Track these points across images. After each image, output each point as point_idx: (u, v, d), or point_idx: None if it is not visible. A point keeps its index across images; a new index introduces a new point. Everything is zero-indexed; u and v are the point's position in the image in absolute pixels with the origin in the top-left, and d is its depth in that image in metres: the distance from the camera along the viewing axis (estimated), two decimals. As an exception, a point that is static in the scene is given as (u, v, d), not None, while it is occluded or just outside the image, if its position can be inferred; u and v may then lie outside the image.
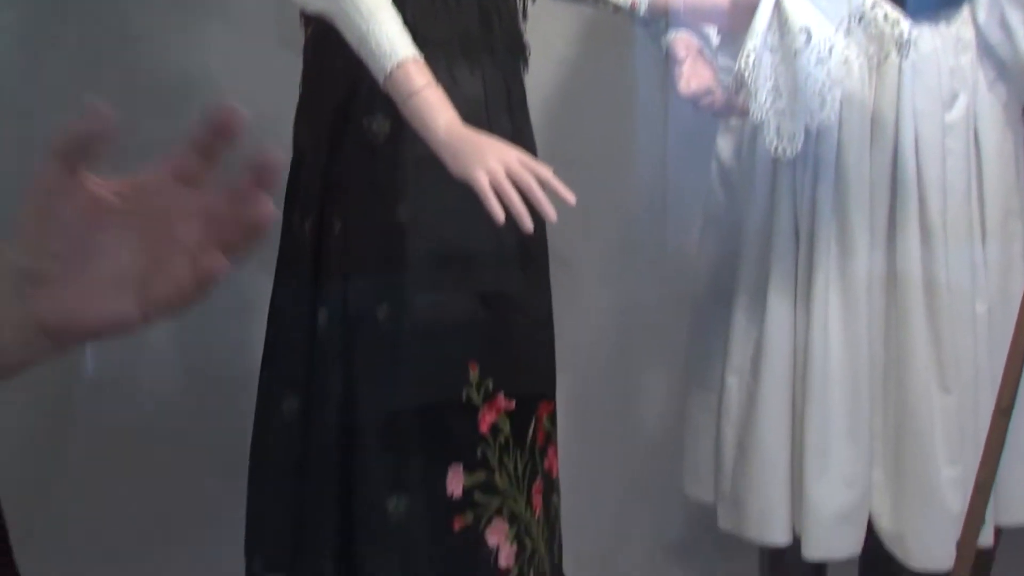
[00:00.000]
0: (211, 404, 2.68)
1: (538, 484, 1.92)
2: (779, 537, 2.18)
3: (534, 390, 1.95)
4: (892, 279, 2.13)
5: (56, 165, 0.78)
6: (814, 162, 2.09)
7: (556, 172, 1.65)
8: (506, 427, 1.84)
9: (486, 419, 1.82)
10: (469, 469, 1.81)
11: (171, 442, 2.70)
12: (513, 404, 1.85)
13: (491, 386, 1.82)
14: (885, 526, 2.17)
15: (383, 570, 1.79)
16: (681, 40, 2.05)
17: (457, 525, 1.80)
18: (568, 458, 2.97)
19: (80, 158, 0.79)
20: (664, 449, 2.67)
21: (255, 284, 2.01)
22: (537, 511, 1.91)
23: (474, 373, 1.80)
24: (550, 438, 2.04)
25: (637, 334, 2.98)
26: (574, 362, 2.93)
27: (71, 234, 0.80)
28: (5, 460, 2.57)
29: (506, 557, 1.85)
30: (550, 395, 2.04)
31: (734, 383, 2.22)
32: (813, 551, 2.14)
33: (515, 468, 1.86)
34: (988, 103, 2.11)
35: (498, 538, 1.84)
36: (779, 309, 2.14)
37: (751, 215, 2.20)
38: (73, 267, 0.81)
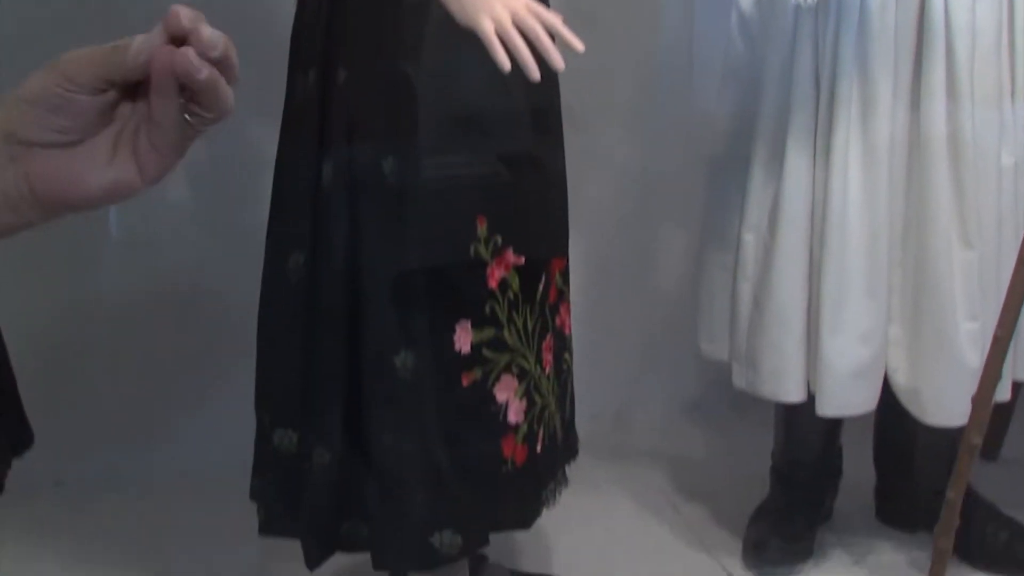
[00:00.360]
0: (224, 261, 2.67)
1: (548, 341, 1.89)
2: (793, 394, 2.17)
3: (545, 247, 1.91)
4: (915, 131, 2.07)
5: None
6: (837, 9, 2.02)
7: (574, 29, 1.59)
8: (515, 283, 1.81)
9: (495, 275, 1.78)
10: (477, 325, 1.78)
11: (185, 298, 2.70)
12: (523, 260, 1.81)
13: (500, 241, 1.78)
14: (901, 382, 2.15)
15: (390, 426, 1.78)
16: None
17: (465, 381, 1.78)
18: (584, 317, 2.95)
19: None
20: (680, 308, 2.65)
21: (265, 139, 1.97)
22: (547, 368, 1.89)
23: (482, 228, 1.76)
24: (562, 295, 2.01)
25: (655, 193, 2.94)
26: (592, 221, 2.90)
27: (83, 112, 0.77)
28: (23, 316, 2.57)
29: (515, 413, 1.83)
30: (562, 252, 2.00)
31: (751, 240, 2.18)
32: (827, 408, 2.13)
33: (524, 324, 1.84)
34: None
35: (507, 394, 1.82)
36: (797, 163, 2.09)
37: (771, 66, 2.13)
38: (73, 138, 0.77)
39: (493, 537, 2.06)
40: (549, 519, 2.49)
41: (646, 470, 2.77)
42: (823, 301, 2.09)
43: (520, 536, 2.38)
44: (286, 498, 1.89)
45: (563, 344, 2.02)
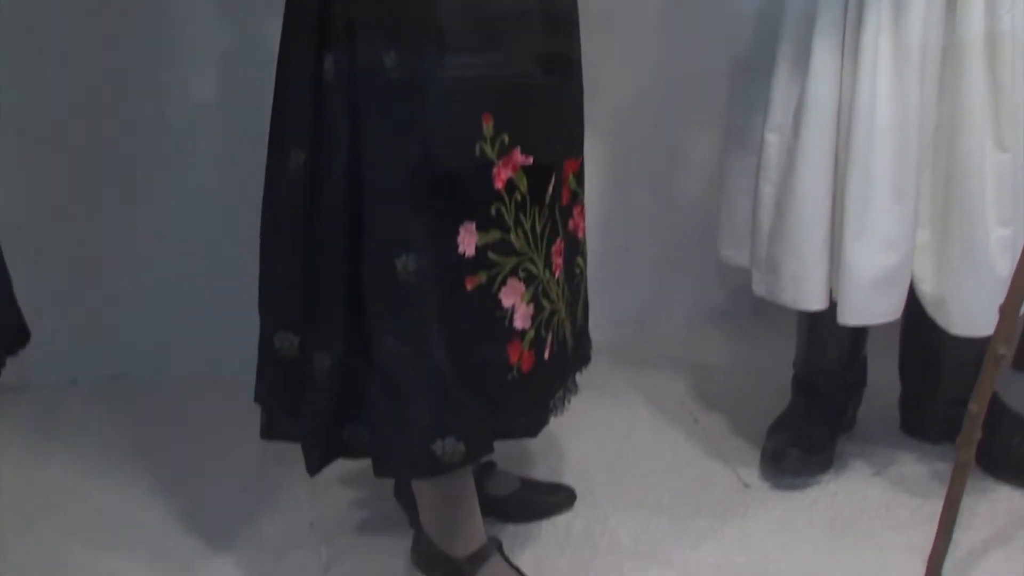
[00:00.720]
0: (227, 159, 2.61)
1: (558, 245, 1.83)
2: (814, 302, 2.10)
3: (556, 147, 1.83)
4: (950, 27, 1.97)
5: None
6: None
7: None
8: (523, 184, 1.74)
9: (501, 175, 1.71)
10: (483, 227, 1.71)
11: (197, 195, 2.66)
12: (531, 160, 1.73)
13: (507, 140, 1.70)
14: (927, 290, 2.08)
15: (391, 330, 1.72)
16: None
17: (469, 285, 1.72)
18: (607, 220, 2.90)
19: None
20: (707, 212, 2.58)
21: (269, 34, 1.90)
22: (557, 272, 1.83)
23: (488, 126, 1.69)
24: (576, 198, 1.95)
25: (681, 93, 2.85)
26: (615, 121, 2.82)
27: None
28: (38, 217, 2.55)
29: (522, 318, 1.77)
30: (576, 153, 1.93)
31: (774, 141, 2.10)
32: (849, 316, 2.06)
33: (533, 227, 1.77)
34: None
35: (513, 299, 1.76)
36: (825, 60, 2.00)
37: (799, -41, 2.03)
38: None
39: (503, 444, 2.03)
40: (563, 427, 2.46)
41: (666, 378, 2.72)
42: (847, 205, 2.01)
43: (532, 444, 2.34)
44: (287, 402, 1.85)
45: (576, 248, 1.96)
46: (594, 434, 2.48)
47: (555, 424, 2.43)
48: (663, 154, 2.89)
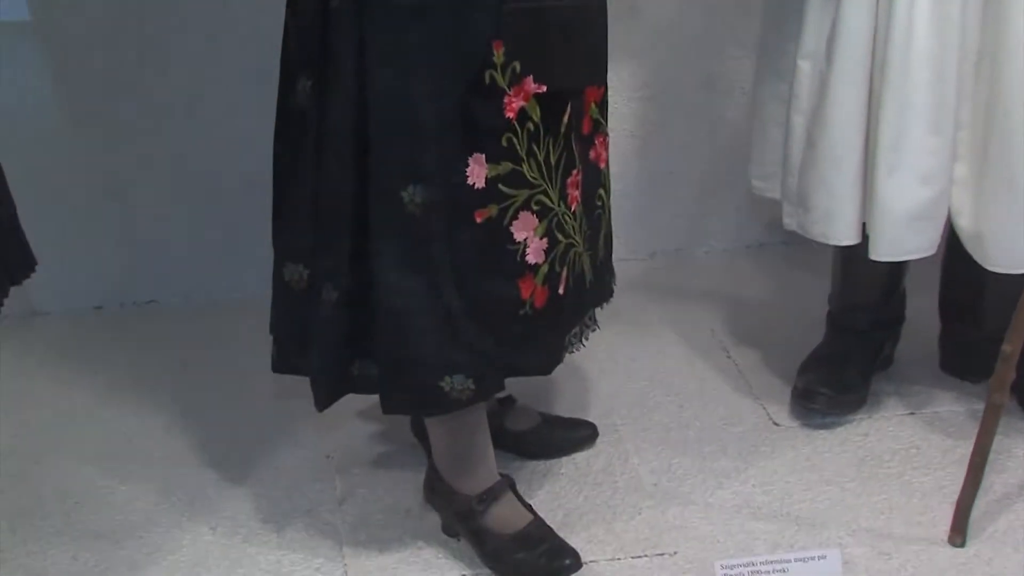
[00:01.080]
0: (240, 92, 2.57)
1: (575, 176, 1.76)
2: (844, 236, 2.03)
3: (573, 75, 1.76)
4: (996, -52, 1.87)
5: None
6: None
7: None
8: (536, 114, 1.67)
9: (512, 105, 1.65)
10: (493, 159, 1.66)
11: (221, 123, 2.62)
12: (544, 89, 1.67)
13: (518, 68, 1.64)
14: (964, 225, 2.00)
15: (397, 264, 1.68)
16: None
17: (479, 218, 1.67)
18: (644, 149, 2.83)
19: None
20: (745, 141, 2.49)
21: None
22: (573, 205, 1.77)
23: (499, 54, 1.62)
24: (598, 127, 1.88)
25: (720, 16, 2.75)
26: (652, 46, 2.73)
27: None
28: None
29: (535, 252, 1.72)
30: (598, 81, 1.86)
31: (806, 68, 2.01)
32: (881, 251, 1.99)
33: (547, 158, 1.71)
34: None
35: (526, 232, 1.70)
36: (859, -18, 1.90)
37: None
38: None
39: (524, 380, 1.99)
40: (590, 362, 2.43)
41: (701, 311, 2.65)
42: (880, 137, 1.92)
43: (557, 379, 2.31)
44: (297, 335, 1.82)
45: (597, 179, 1.90)
46: (622, 369, 2.44)
47: (581, 359, 2.42)
48: (703, 80, 2.80)
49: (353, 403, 1.95)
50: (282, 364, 1.87)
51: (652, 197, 2.88)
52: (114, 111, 2.60)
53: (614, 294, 2.03)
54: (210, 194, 2.68)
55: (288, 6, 1.77)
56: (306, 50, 1.71)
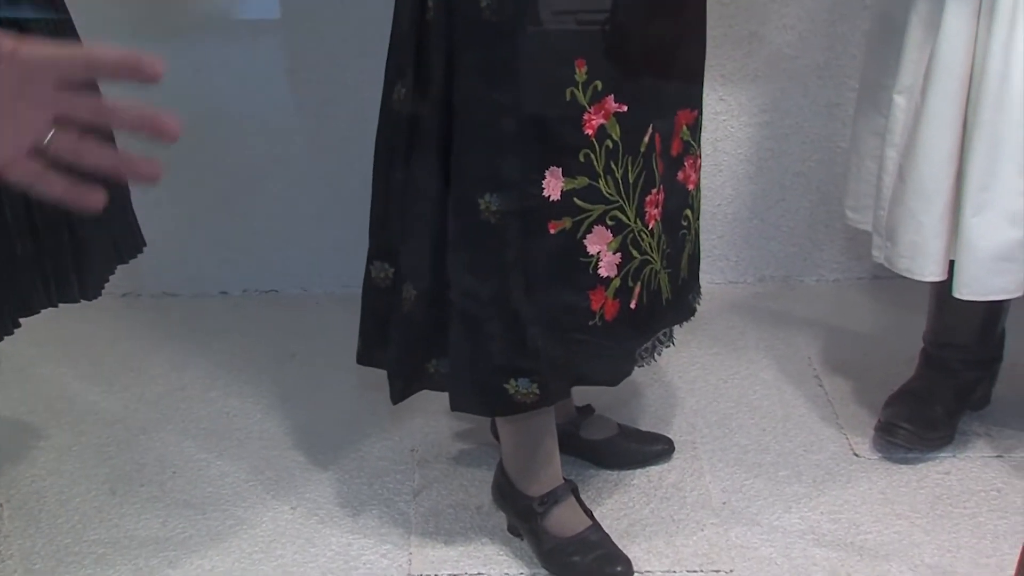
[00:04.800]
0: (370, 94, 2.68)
1: (653, 196, 1.81)
2: (929, 272, 2.02)
3: (658, 97, 1.81)
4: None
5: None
6: None
7: None
8: (616, 132, 1.72)
9: (592, 122, 1.70)
10: (569, 173, 1.71)
11: (333, 128, 2.74)
12: (625, 109, 1.72)
13: (600, 87, 1.70)
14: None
15: (470, 268, 1.75)
16: None
17: (552, 228, 1.73)
18: (758, 172, 2.84)
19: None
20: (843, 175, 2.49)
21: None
22: (651, 223, 1.81)
23: (581, 72, 1.68)
24: (689, 149, 1.92)
25: (841, 47, 2.74)
26: (770, 70, 2.75)
27: None
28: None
29: (607, 266, 1.77)
30: (691, 104, 1.91)
31: (902, 103, 2.02)
32: (964, 290, 1.98)
33: (624, 176, 1.76)
34: None
35: (599, 246, 1.76)
36: (957, 19, 1.90)
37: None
38: None
39: (608, 391, 2.05)
40: (679, 378, 2.47)
41: (800, 339, 2.66)
42: (969, 175, 1.92)
43: (643, 392, 2.36)
44: (380, 330, 1.91)
45: (684, 200, 1.94)
46: (711, 389, 2.46)
47: (671, 375, 2.46)
48: (822, 108, 2.80)
49: (443, 401, 2.01)
50: (366, 356, 1.96)
51: (764, 222, 2.90)
52: (238, 111, 2.75)
53: (696, 313, 2.06)
54: (335, 190, 2.80)
55: (395, 12, 1.85)
56: (403, 58, 1.79)
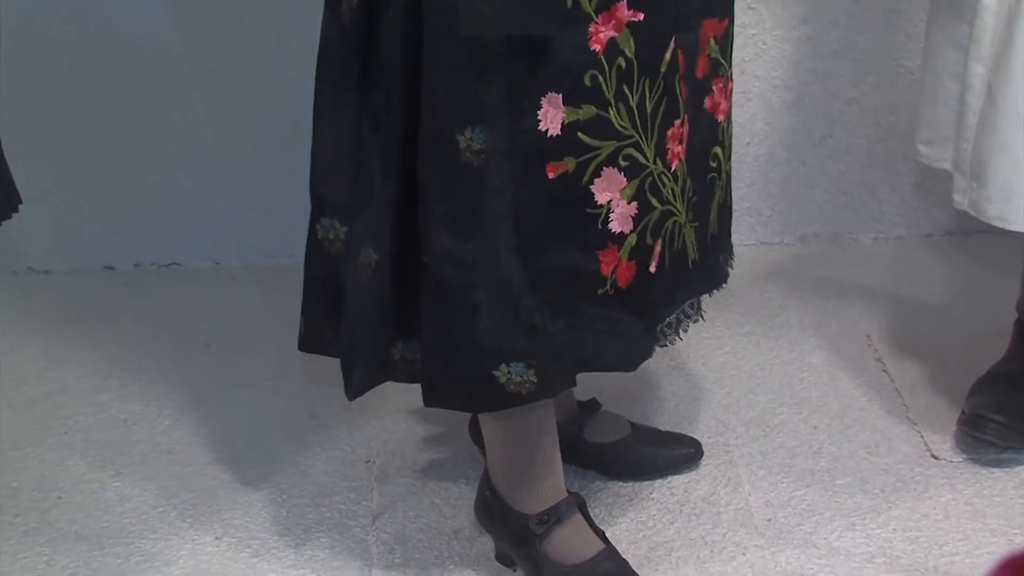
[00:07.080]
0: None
1: (677, 128, 1.83)
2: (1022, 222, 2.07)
3: (681, 2, 1.84)
4: None
5: None
6: None
7: None
8: (629, 47, 1.75)
9: (599, 35, 1.73)
10: (572, 100, 1.74)
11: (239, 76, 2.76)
12: (642, 17, 1.75)
13: (611, -11, 1.73)
14: None
15: (448, 225, 1.77)
16: None
17: (551, 172, 1.75)
18: (799, 102, 2.88)
19: None
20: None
21: None
22: (674, 163, 1.84)
23: (585, -30, 1.72)
24: (718, 69, 1.96)
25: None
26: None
27: None
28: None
29: (621, 219, 1.79)
30: (719, 12, 1.93)
31: (991, 3, 2.06)
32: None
33: (641, 104, 1.78)
34: None
35: (610, 194, 1.78)
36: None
37: None
38: None
39: (609, 379, 2.08)
40: (706, 366, 2.52)
41: (856, 313, 2.72)
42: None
43: (660, 383, 2.40)
44: (331, 307, 1.92)
45: (714, 135, 1.98)
46: (745, 378, 2.51)
47: (695, 362, 2.51)
48: (879, 17, 2.85)
49: (405, 398, 2.04)
50: (311, 341, 1.98)
51: (806, 166, 2.94)
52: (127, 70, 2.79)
53: (728, 279, 2.10)
54: (254, 134, 2.82)
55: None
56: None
